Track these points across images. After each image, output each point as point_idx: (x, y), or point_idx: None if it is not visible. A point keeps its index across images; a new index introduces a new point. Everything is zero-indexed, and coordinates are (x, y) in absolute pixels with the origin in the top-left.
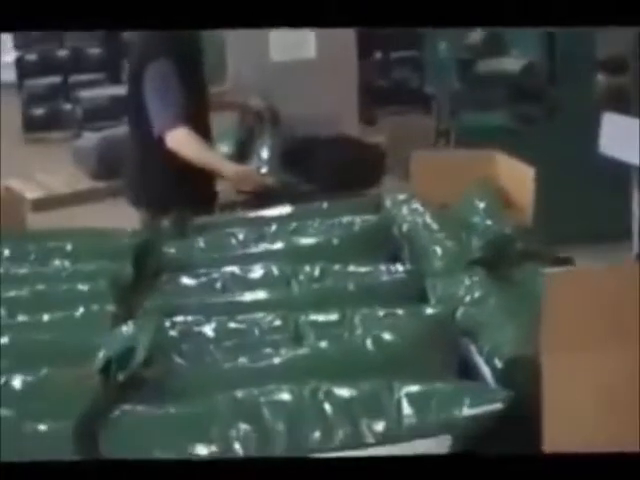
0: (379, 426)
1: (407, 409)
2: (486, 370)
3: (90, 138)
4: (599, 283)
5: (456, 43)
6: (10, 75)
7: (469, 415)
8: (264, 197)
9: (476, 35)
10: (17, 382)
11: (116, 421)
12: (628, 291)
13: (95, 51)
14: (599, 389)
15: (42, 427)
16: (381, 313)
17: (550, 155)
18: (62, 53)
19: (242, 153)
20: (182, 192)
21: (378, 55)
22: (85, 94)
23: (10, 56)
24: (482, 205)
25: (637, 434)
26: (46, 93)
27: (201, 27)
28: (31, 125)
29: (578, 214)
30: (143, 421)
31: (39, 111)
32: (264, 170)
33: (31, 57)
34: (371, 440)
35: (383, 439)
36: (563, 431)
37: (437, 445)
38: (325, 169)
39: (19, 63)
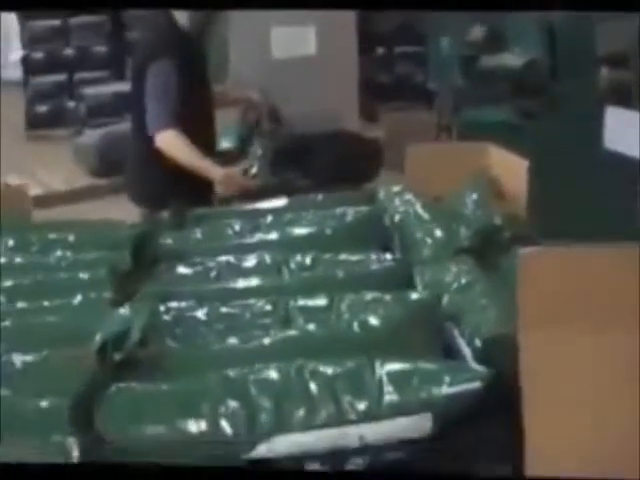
0: (361, 404)
1: (388, 387)
2: (467, 351)
3: (91, 135)
4: (573, 262)
5: (458, 39)
6: (17, 73)
7: (449, 393)
8: (258, 195)
9: (478, 31)
10: (18, 362)
11: (111, 397)
12: (605, 271)
13: (101, 49)
14: (576, 367)
15: (42, 403)
16: (368, 298)
17: (553, 150)
18: (68, 51)
19: (243, 149)
20: (181, 189)
21: (380, 51)
22: (89, 91)
23: (17, 55)
24: (474, 196)
25: (613, 408)
26: (51, 90)
27: (212, 6)
28: (34, 122)
29: (581, 210)
30: (137, 398)
31: (43, 108)
32: (254, 170)
33: (37, 55)
34: (353, 417)
35: (365, 417)
36: (542, 408)
37: (418, 423)
38: (324, 164)
39: (25, 61)
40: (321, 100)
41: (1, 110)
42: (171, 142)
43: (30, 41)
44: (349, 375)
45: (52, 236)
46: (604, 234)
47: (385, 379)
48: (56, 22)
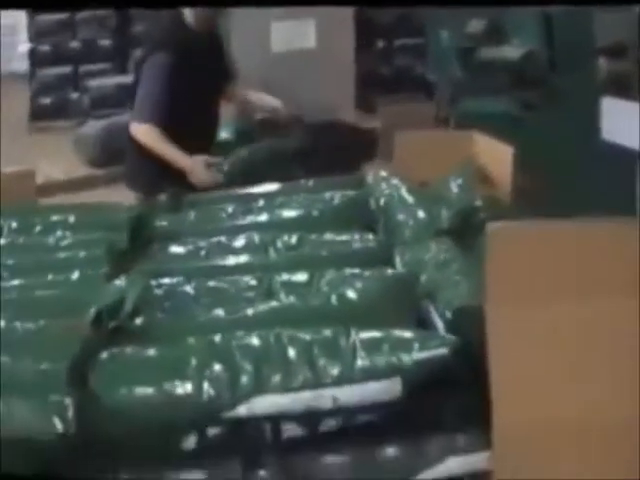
0: (335, 368)
1: (361, 353)
2: (440, 324)
3: (93, 125)
4: (539, 237)
5: (457, 32)
6: (24, 66)
7: (417, 359)
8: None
9: (477, 24)
10: (20, 329)
11: (104, 361)
12: (570, 246)
13: (105, 42)
14: (540, 339)
15: (42, 366)
16: (347, 274)
17: (552, 141)
18: (74, 44)
19: (240, 141)
20: (176, 179)
21: (380, 44)
22: (93, 83)
23: (24, 47)
24: (459, 182)
25: (575, 378)
26: (55, 82)
27: (213, 4)
28: (38, 114)
29: (580, 201)
30: (127, 361)
31: (47, 100)
32: (226, 167)
33: (44, 48)
34: (328, 381)
35: (339, 380)
36: (508, 377)
37: (389, 386)
38: (320, 153)
39: (32, 53)
40: (319, 92)
41: (7, 102)
42: (144, 133)
43: (37, 34)
44: (325, 341)
45: (54, 218)
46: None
47: (358, 345)
48: (62, 16)
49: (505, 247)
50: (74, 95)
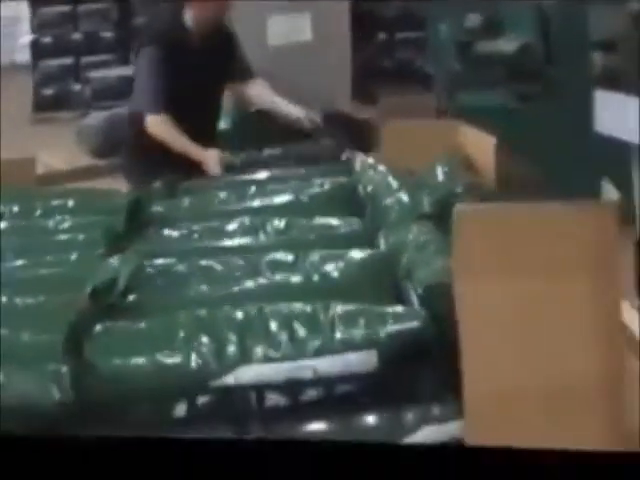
0: (315, 340)
1: (339, 326)
2: (415, 301)
3: (95, 117)
4: (504, 219)
5: (456, 26)
6: (27, 57)
7: (391, 331)
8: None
9: (475, 18)
10: (21, 304)
11: (99, 334)
12: (533, 227)
13: (107, 34)
14: (505, 314)
15: (40, 338)
16: (330, 254)
17: (547, 132)
18: (76, 36)
19: (237, 133)
20: (175, 171)
21: (382, 37)
22: (95, 74)
23: (26, 38)
24: (445, 169)
25: (537, 350)
26: (57, 74)
27: None
28: (41, 105)
29: (576, 194)
30: (121, 333)
31: (49, 91)
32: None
33: (46, 40)
34: (308, 353)
35: (318, 352)
36: (476, 351)
37: (365, 358)
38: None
39: (34, 45)
40: (316, 84)
41: (9, 93)
42: (159, 125)
43: (39, 26)
44: (305, 315)
45: (54, 202)
46: None
47: (337, 319)
48: (65, 8)
49: (471, 227)
50: (76, 86)
